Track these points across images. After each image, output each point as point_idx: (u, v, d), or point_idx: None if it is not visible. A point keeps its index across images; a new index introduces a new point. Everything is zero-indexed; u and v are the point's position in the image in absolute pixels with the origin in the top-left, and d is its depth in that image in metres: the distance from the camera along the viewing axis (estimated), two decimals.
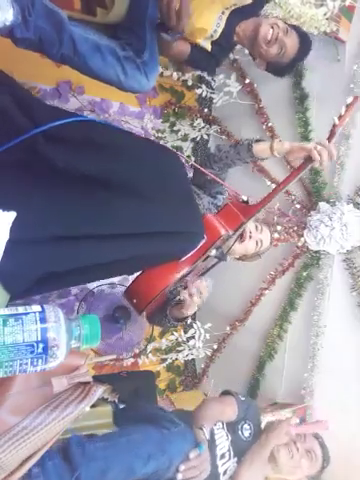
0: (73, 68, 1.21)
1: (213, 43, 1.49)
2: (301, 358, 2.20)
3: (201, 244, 1.16)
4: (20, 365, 0.66)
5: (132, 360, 2.38)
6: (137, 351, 2.28)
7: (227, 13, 1.46)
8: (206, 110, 2.48)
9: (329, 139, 1.21)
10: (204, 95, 2.38)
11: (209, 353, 2.49)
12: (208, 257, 1.25)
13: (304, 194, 2.20)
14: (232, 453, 1.53)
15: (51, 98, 2.01)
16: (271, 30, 1.44)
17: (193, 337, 2.37)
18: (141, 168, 1.07)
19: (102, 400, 1.51)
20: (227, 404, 1.66)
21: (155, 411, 1.54)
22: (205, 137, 2.52)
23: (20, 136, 0.92)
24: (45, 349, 0.67)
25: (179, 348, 2.47)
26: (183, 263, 1.18)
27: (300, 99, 2.09)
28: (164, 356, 2.52)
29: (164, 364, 2.54)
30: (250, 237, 1.42)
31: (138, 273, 1.22)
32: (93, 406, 1.24)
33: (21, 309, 0.69)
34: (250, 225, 1.42)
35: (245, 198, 1.28)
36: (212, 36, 1.47)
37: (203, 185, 1.40)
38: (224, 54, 1.62)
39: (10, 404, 0.90)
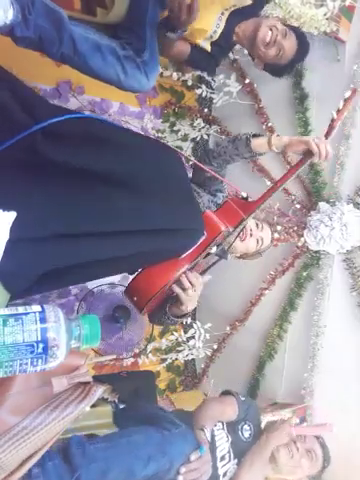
0: (73, 67, 1.21)
1: (212, 43, 1.49)
2: (301, 358, 2.20)
3: (201, 241, 1.16)
4: (20, 365, 0.66)
5: (132, 360, 2.38)
6: (137, 351, 2.28)
7: (227, 14, 1.46)
8: (206, 110, 2.48)
9: (328, 133, 1.21)
10: (204, 95, 2.38)
11: (209, 353, 2.49)
12: (209, 254, 1.25)
13: (304, 194, 2.20)
14: (232, 455, 1.53)
15: (51, 98, 2.00)
16: (270, 32, 1.45)
17: (193, 337, 2.37)
18: (141, 165, 1.07)
19: (102, 400, 1.51)
20: (227, 404, 1.65)
21: (156, 412, 1.54)
22: (205, 137, 2.51)
23: (20, 133, 0.91)
24: (45, 349, 0.67)
25: (179, 348, 2.46)
26: (183, 260, 1.18)
27: (300, 99, 2.09)
28: (164, 356, 2.52)
29: (164, 364, 2.54)
30: (251, 235, 1.41)
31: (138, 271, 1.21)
32: (93, 406, 1.24)
33: (21, 309, 0.69)
34: (251, 223, 1.42)
35: (245, 194, 1.27)
36: (212, 37, 1.47)
37: (203, 183, 1.39)
38: (223, 54, 1.62)
39: (10, 404, 0.90)
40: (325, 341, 2.14)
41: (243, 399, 1.72)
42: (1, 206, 0.76)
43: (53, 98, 2.01)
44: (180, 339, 2.40)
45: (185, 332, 2.39)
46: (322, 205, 2.09)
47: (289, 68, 1.60)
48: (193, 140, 2.55)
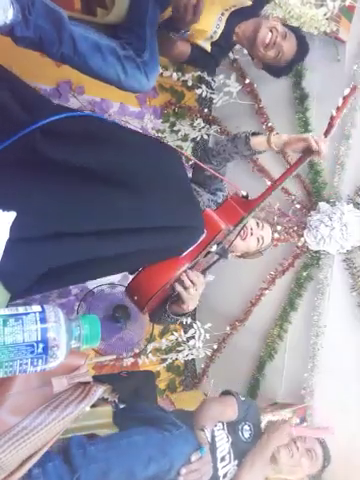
0: (73, 67, 1.21)
1: (213, 44, 1.49)
2: (301, 358, 2.20)
3: (201, 239, 1.16)
4: (20, 365, 0.66)
5: (132, 360, 2.38)
6: (137, 351, 2.27)
7: (227, 14, 1.46)
8: (206, 110, 2.48)
9: (327, 131, 1.21)
10: (204, 95, 2.38)
11: (209, 353, 2.49)
12: (209, 253, 1.24)
13: (304, 194, 2.20)
14: (232, 456, 1.52)
15: (51, 98, 2.00)
16: (270, 34, 1.45)
17: (193, 337, 2.37)
18: (141, 163, 1.06)
19: (102, 400, 1.50)
20: (228, 404, 1.65)
21: (156, 412, 1.54)
22: (205, 137, 2.52)
23: (19, 132, 0.91)
24: (45, 349, 0.67)
25: (179, 348, 2.46)
26: (183, 259, 1.17)
27: (300, 99, 2.10)
28: (164, 356, 2.52)
29: (164, 364, 2.54)
30: (252, 234, 1.41)
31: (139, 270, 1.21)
32: (93, 406, 1.24)
33: (21, 309, 0.69)
34: (251, 222, 1.41)
35: (244, 193, 1.27)
36: (212, 37, 1.47)
37: (203, 182, 1.39)
38: (223, 54, 1.62)
39: (10, 404, 0.90)
40: (325, 341, 2.14)
41: (243, 399, 1.72)
42: (1, 206, 0.76)
43: (53, 98, 2.01)
44: (180, 339, 2.40)
45: (185, 332, 2.39)
46: (322, 205, 2.09)
47: (288, 69, 1.60)
48: (193, 140, 2.55)
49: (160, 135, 2.47)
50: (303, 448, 1.66)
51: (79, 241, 0.95)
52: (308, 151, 1.21)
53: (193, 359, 2.65)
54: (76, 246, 0.95)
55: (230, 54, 2.13)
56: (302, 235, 2.14)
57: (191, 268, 1.21)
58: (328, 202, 2.09)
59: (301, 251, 2.19)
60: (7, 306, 0.81)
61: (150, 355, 2.41)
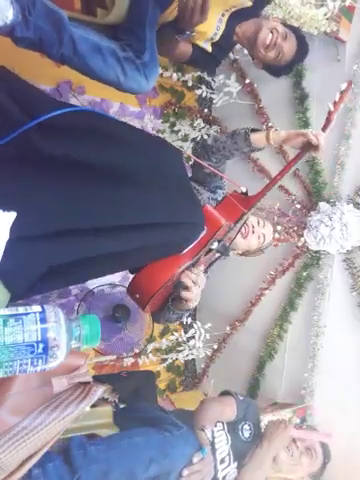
0: (73, 68, 1.21)
1: (213, 44, 1.49)
2: (301, 358, 2.21)
3: (202, 235, 1.16)
4: (20, 365, 0.66)
5: (132, 360, 2.38)
6: (137, 351, 2.27)
7: (227, 15, 1.46)
8: (206, 110, 2.48)
9: (325, 126, 1.22)
10: (204, 95, 2.38)
11: (209, 353, 2.49)
12: (210, 251, 1.24)
13: (304, 194, 2.20)
14: (232, 458, 1.51)
15: None
16: (270, 35, 1.45)
17: (193, 337, 2.37)
18: (143, 160, 1.06)
19: (102, 400, 1.50)
20: (226, 404, 1.65)
21: (156, 412, 1.53)
22: (205, 137, 2.52)
23: (16, 130, 0.91)
24: (45, 349, 0.67)
25: (179, 348, 2.47)
26: (184, 256, 1.17)
27: (300, 99, 2.10)
28: (164, 356, 2.52)
29: (164, 364, 2.55)
30: (253, 232, 1.40)
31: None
32: (93, 406, 1.24)
33: (21, 309, 0.69)
34: (252, 220, 1.41)
35: (244, 189, 1.27)
36: (212, 38, 1.47)
37: (202, 180, 1.38)
38: (224, 54, 1.63)
39: (10, 404, 0.90)
40: (325, 341, 2.14)
41: (242, 398, 1.71)
42: (1, 205, 0.76)
43: None
44: (180, 339, 2.40)
45: (185, 332, 2.39)
46: (322, 205, 2.09)
47: (288, 69, 1.61)
48: (193, 140, 2.55)
49: (160, 135, 2.47)
50: (303, 447, 1.66)
51: (80, 239, 0.95)
52: (307, 146, 1.21)
53: (193, 359, 2.65)
54: (77, 244, 0.95)
55: (230, 54, 2.14)
56: (302, 235, 2.14)
57: (192, 265, 1.21)
58: (328, 202, 2.09)
59: (301, 251, 2.19)
60: (7, 306, 0.81)
61: (150, 355, 2.42)
